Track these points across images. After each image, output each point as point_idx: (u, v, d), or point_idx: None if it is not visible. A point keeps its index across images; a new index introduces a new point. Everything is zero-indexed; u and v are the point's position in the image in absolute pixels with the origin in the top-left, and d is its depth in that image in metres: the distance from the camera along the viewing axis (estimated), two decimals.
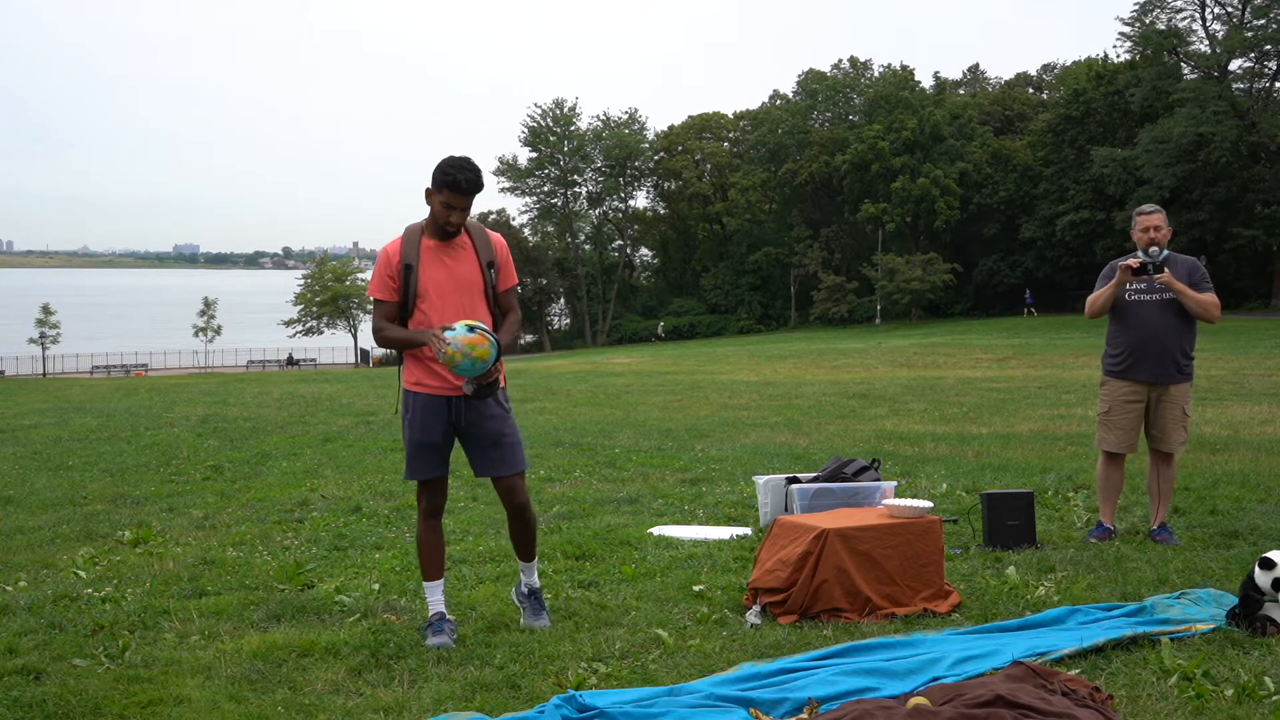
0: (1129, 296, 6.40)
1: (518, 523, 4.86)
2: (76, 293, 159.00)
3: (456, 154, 4.57)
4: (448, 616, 4.73)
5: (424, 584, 4.81)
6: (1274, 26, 54.84)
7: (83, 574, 5.82)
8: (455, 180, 4.51)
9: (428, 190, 4.61)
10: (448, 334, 4.39)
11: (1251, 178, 55.27)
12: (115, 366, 63.41)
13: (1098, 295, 6.46)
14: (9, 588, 5.56)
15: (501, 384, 4.70)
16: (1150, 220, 6.42)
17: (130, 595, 5.36)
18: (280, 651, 4.42)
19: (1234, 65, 58.05)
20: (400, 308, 4.65)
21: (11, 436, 12.93)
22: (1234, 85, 57.35)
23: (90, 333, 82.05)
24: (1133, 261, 6.31)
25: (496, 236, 4.79)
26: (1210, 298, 6.33)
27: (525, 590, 4.93)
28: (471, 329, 4.41)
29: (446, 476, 4.81)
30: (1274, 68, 57.49)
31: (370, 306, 4.85)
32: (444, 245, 4.66)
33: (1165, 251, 6.41)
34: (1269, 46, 55.76)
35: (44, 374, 59.56)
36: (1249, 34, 55.39)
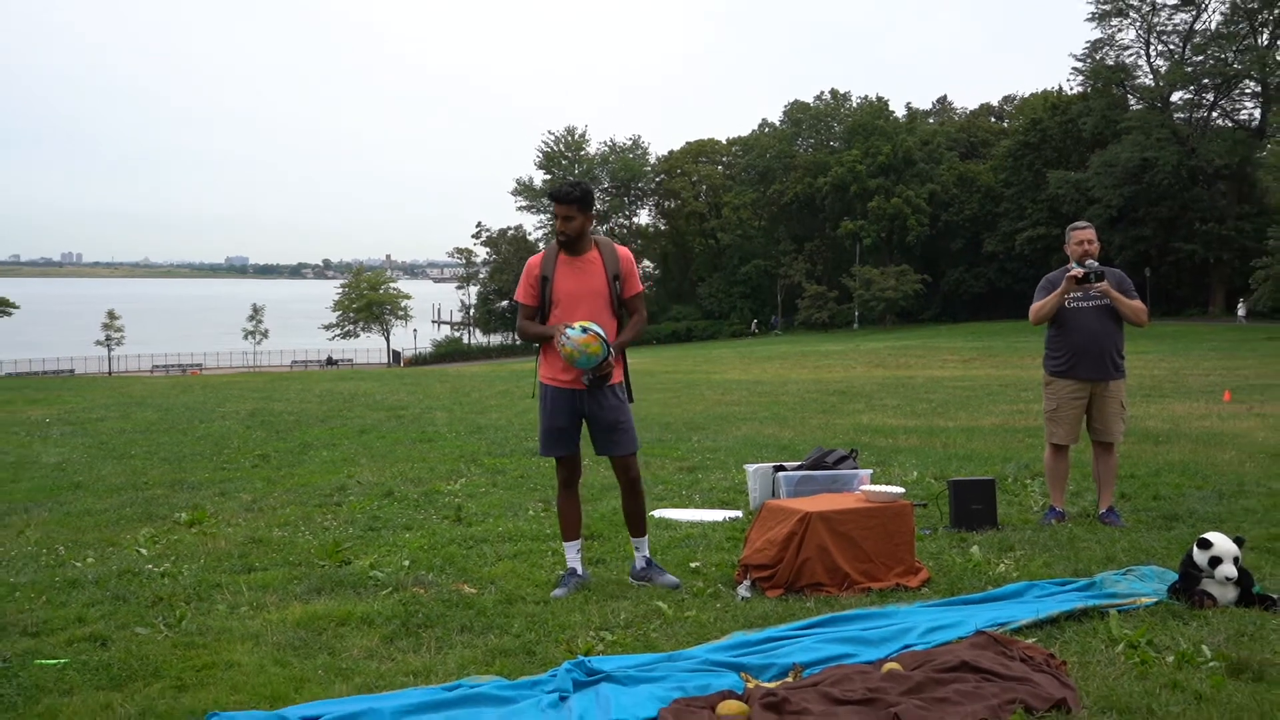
0: (1069, 304, 6.42)
1: (629, 495, 5.09)
2: (138, 300, 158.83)
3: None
4: (579, 572, 4.99)
5: (563, 543, 5.09)
6: (1211, 63, 54.97)
7: (144, 551, 5.83)
8: (555, 190, 4.88)
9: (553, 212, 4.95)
10: (569, 331, 4.69)
11: (1191, 198, 55.24)
12: (173, 366, 63.40)
13: (1043, 304, 6.47)
14: (78, 563, 5.57)
15: (618, 379, 4.95)
16: (1085, 235, 6.47)
17: (186, 570, 5.36)
18: (320, 621, 4.42)
19: (1175, 97, 58.16)
20: (538, 311, 4.95)
21: (81, 429, 12.94)
22: (1175, 115, 57.40)
23: (150, 336, 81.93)
24: (1078, 271, 6.32)
25: (623, 251, 5.02)
26: (1139, 304, 6.41)
27: (643, 563, 5.05)
28: (584, 330, 4.70)
29: (577, 454, 5.07)
30: (1211, 99, 57.53)
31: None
32: (576, 260, 4.93)
33: (1095, 263, 6.43)
34: (1206, 80, 55.92)
35: (109, 373, 59.56)
36: (1189, 69, 55.55)
